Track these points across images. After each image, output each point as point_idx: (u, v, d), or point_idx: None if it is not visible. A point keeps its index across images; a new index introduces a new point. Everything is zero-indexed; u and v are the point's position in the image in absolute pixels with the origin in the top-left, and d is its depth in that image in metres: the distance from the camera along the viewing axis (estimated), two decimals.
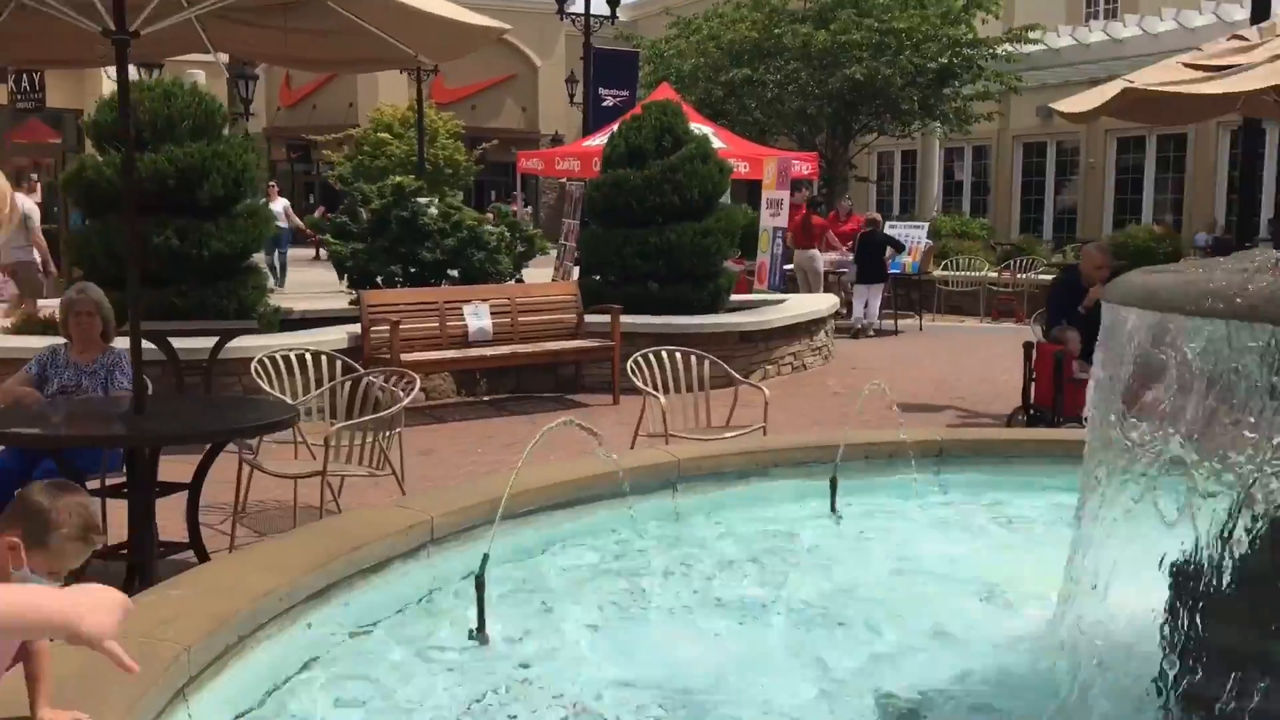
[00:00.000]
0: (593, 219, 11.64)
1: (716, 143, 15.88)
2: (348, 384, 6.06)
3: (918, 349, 14.05)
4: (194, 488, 4.77)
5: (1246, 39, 7.42)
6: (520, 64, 41.34)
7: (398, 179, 10.86)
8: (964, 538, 4.67)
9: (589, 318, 10.31)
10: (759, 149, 18.23)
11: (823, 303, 12.65)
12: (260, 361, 6.27)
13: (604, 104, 18.74)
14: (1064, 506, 4.02)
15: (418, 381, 5.70)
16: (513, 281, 14.00)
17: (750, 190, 18.73)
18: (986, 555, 4.46)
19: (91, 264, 9.02)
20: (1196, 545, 2.62)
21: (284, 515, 5.83)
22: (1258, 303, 2.23)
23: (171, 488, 4.94)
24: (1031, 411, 7.99)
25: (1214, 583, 2.50)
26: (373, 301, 9.21)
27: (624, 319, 10.00)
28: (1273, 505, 2.45)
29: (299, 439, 5.66)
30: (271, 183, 24.49)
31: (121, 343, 5.20)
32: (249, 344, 7.90)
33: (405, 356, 8.64)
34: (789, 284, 16.17)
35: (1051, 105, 8.64)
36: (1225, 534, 2.58)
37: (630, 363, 6.68)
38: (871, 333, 15.36)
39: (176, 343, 7.84)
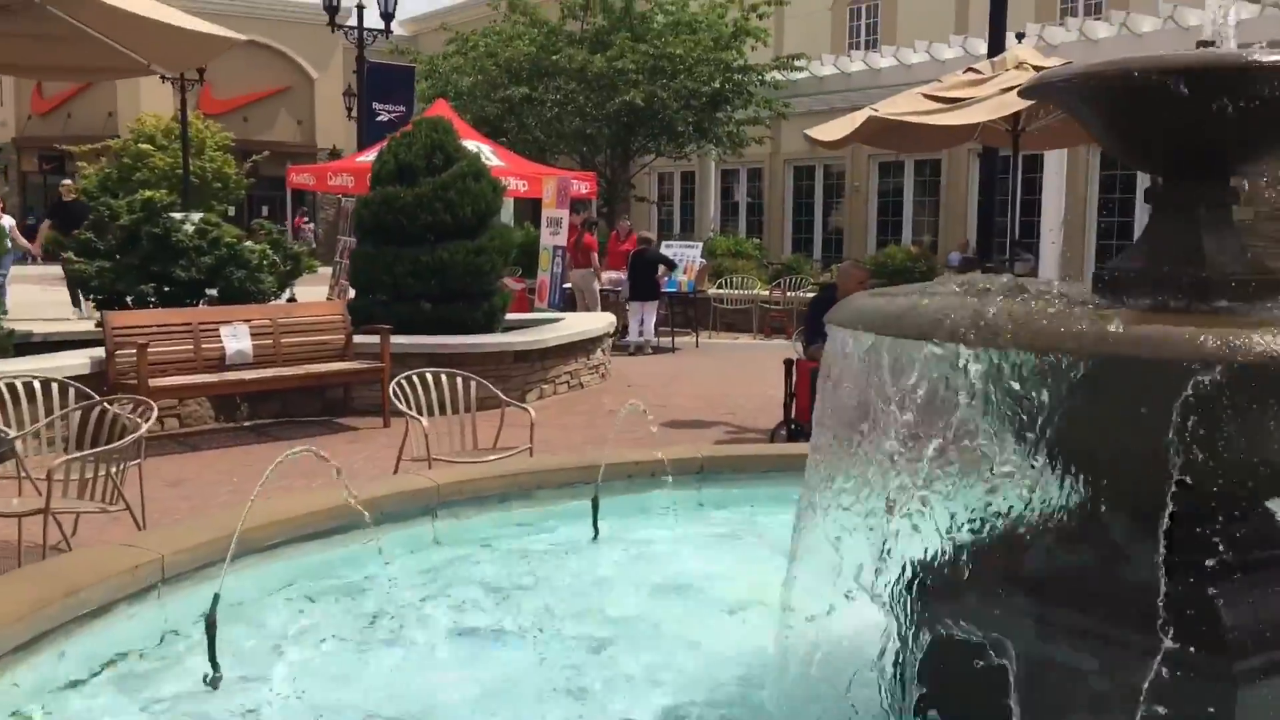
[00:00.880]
0: (362, 237, 11.35)
1: (495, 161, 15.85)
2: (79, 413, 5.64)
3: (693, 366, 14.36)
4: None
5: (980, 72, 7.97)
6: (296, 75, 40.13)
7: (148, 193, 10.24)
8: (720, 554, 4.75)
9: (359, 338, 10.02)
10: (539, 168, 18.27)
11: (599, 321, 12.75)
12: None
13: (379, 119, 18.36)
14: None
15: (154, 409, 5.37)
16: (287, 300, 13.50)
17: (534, 208, 18.75)
18: (741, 570, 4.55)
19: None
20: (914, 560, 2.74)
21: (7, 557, 5.36)
22: (962, 327, 2.34)
23: None
24: (793, 426, 8.27)
25: (923, 597, 2.62)
26: (117, 324, 8.61)
27: (396, 340, 9.78)
28: (981, 523, 2.59)
29: (22, 474, 5.23)
30: None
31: None
32: None
33: (155, 382, 8.15)
34: (569, 303, 16.26)
35: (806, 132, 9.01)
36: (937, 551, 2.71)
37: (394, 385, 6.52)
38: (649, 350, 15.61)
39: None
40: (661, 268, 16.17)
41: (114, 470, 5.07)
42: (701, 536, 4.99)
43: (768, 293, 18.94)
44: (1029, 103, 7.08)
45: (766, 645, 3.59)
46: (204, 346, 8.99)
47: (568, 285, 16.34)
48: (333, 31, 20.93)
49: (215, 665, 3.29)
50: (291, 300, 13.88)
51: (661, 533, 5.02)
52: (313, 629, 3.75)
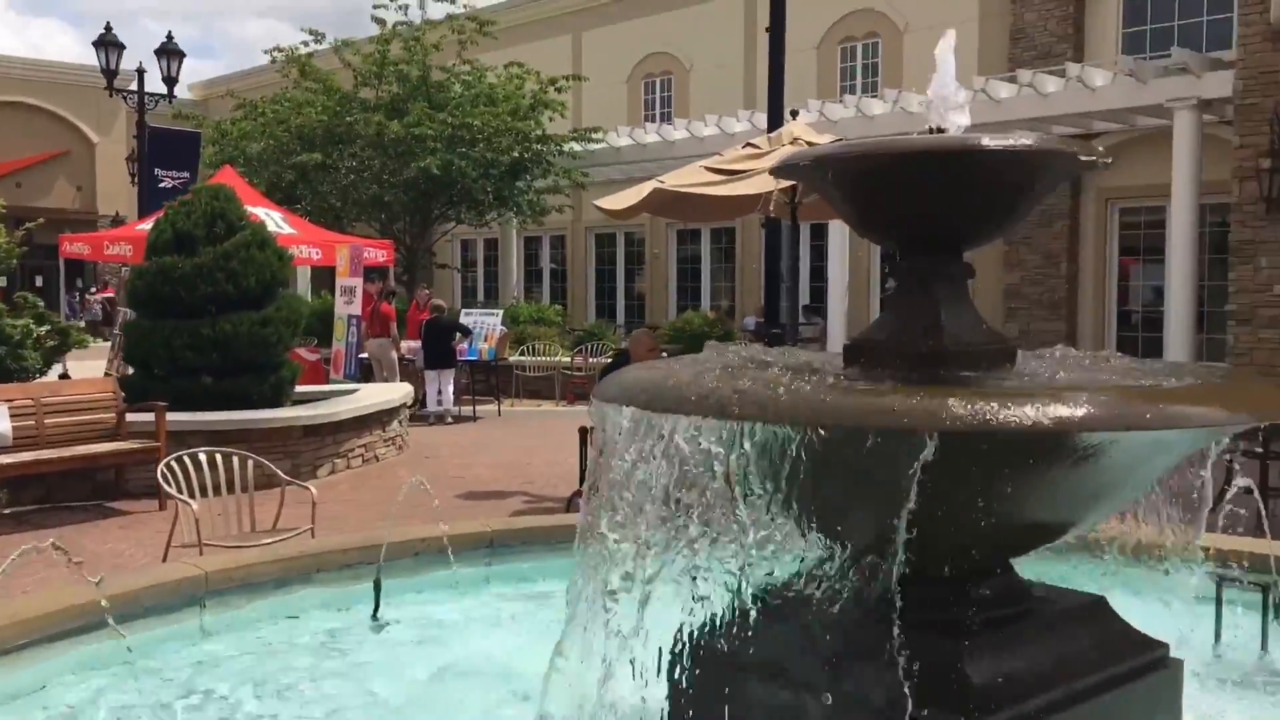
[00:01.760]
0: (138, 309, 10.78)
1: (286, 229, 15.40)
2: None
3: (493, 434, 14.21)
4: None
5: (758, 146, 8.28)
6: (74, 140, 38.11)
7: None
8: (507, 633, 4.66)
9: (134, 417, 9.46)
10: (333, 235, 17.87)
11: (395, 392, 12.48)
12: None
13: (161, 185, 17.58)
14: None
15: None
16: (59, 376, 12.65)
17: (332, 277, 18.27)
18: (528, 648, 4.46)
19: None
20: (683, 629, 2.73)
21: None
22: (710, 400, 2.36)
23: None
24: None
25: (685, 665, 2.62)
26: None
27: (174, 417, 9.28)
28: (735, 592, 2.61)
29: None
30: None
31: None
32: None
33: None
34: (366, 373, 15.87)
35: (595, 203, 9.13)
36: (708, 622, 2.72)
37: (163, 466, 6.17)
38: (450, 419, 15.36)
39: None
40: (459, 335, 16.01)
41: None
42: (490, 615, 4.88)
43: (570, 359, 19.00)
44: None
45: None
46: None
47: (364, 355, 15.97)
48: (110, 96, 20.03)
49: None
50: (64, 377, 13.05)
51: (449, 613, 4.88)
52: None
